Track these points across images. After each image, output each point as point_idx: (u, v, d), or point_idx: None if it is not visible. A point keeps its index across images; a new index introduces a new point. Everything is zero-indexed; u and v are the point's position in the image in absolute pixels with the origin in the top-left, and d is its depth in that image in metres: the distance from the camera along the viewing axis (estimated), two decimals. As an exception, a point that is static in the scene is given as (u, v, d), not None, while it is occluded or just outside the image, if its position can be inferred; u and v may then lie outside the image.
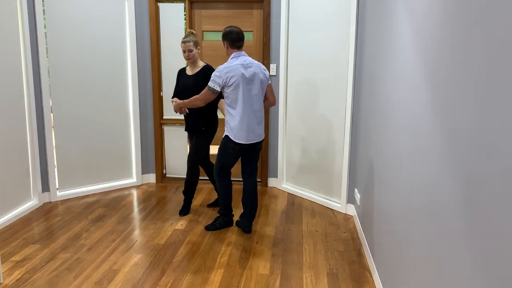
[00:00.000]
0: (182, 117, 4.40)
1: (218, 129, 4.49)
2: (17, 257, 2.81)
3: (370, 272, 2.70)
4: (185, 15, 4.24)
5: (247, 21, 4.24)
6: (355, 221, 3.48)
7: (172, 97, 3.50)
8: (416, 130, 1.77)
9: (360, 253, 2.96)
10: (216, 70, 3.02)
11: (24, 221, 3.42)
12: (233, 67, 2.98)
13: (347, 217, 3.62)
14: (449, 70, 1.39)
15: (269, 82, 3.20)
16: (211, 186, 4.40)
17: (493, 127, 1.06)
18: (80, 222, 3.42)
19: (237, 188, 4.37)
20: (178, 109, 3.30)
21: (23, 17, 3.45)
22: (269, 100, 3.25)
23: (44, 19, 3.66)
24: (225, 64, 3.02)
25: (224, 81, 2.97)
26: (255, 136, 3.11)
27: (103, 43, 4.01)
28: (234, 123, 3.04)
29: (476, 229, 1.15)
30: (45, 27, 3.67)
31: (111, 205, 3.82)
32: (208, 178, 3.73)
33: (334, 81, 3.69)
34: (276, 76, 4.20)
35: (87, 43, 3.92)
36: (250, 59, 3.10)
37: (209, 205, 3.81)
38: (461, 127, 1.27)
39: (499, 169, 1.02)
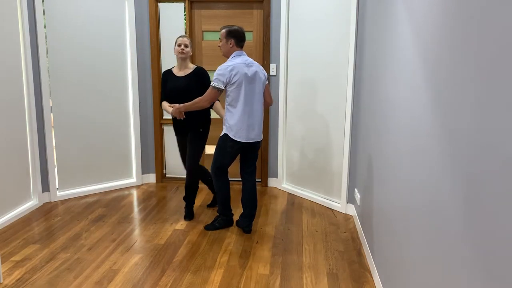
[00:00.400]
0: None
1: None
2: (17, 257, 2.81)
3: (370, 272, 2.70)
4: (185, 15, 4.25)
5: (247, 21, 4.25)
6: (355, 221, 3.48)
7: (161, 101, 3.42)
8: (416, 130, 1.77)
9: (360, 253, 2.96)
10: (218, 68, 3.01)
11: (24, 221, 3.42)
12: (236, 65, 3.00)
13: (347, 217, 3.62)
14: (449, 70, 1.39)
15: (267, 82, 3.21)
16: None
17: (493, 127, 1.06)
18: (80, 222, 3.42)
19: (237, 188, 4.37)
20: (177, 114, 3.19)
21: (23, 17, 3.45)
22: (266, 100, 3.25)
23: (44, 19, 3.66)
24: (228, 63, 3.02)
25: (227, 79, 2.98)
26: (255, 135, 3.12)
27: (103, 43, 4.01)
28: (235, 121, 3.05)
29: (476, 229, 1.15)
30: (45, 27, 3.67)
31: (111, 205, 3.82)
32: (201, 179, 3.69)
33: (334, 81, 3.69)
34: (276, 76, 4.20)
35: (87, 43, 3.92)
36: (250, 58, 3.11)
37: (209, 205, 3.81)
38: (461, 127, 1.27)
39: (499, 169, 1.02)
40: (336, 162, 3.77)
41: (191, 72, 3.35)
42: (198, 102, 3.06)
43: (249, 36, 4.28)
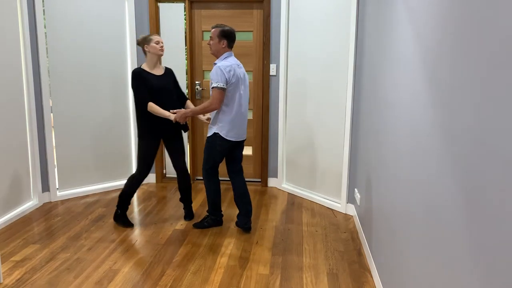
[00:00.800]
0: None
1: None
2: (17, 257, 2.81)
3: (370, 272, 2.70)
4: (185, 15, 4.25)
5: (247, 21, 4.24)
6: (355, 221, 3.48)
7: (146, 102, 3.15)
8: (416, 130, 1.78)
9: (360, 253, 2.96)
10: (216, 69, 3.02)
11: (24, 221, 3.42)
12: (233, 66, 3.04)
13: (347, 217, 3.62)
14: (449, 70, 1.39)
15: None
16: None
17: (493, 127, 1.06)
18: (80, 222, 3.42)
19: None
20: (183, 119, 3.13)
21: (23, 17, 3.45)
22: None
23: (44, 19, 3.66)
24: (224, 63, 3.04)
25: (227, 79, 3.02)
26: (243, 133, 3.21)
27: (103, 43, 4.01)
28: (228, 121, 3.10)
29: (476, 229, 1.15)
30: (45, 27, 3.67)
31: (111, 205, 3.82)
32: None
33: (334, 81, 3.69)
34: (276, 76, 4.20)
35: (87, 43, 3.92)
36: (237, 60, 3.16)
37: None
38: (461, 127, 1.27)
39: (499, 169, 1.02)
40: (336, 162, 3.77)
41: (166, 71, 3.32)
42: (209, 106, 3.04)
43: (249, 36, 4.28)
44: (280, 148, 4.29)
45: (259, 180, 4.52)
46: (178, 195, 4.11)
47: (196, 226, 3.34)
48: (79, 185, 4.07)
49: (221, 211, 3.38)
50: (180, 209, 3.73)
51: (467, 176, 1.22)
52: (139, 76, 3.17)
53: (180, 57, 4.33)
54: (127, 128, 4.30)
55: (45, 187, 3.85)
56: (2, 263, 2.72)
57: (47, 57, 3.73)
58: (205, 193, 4.20)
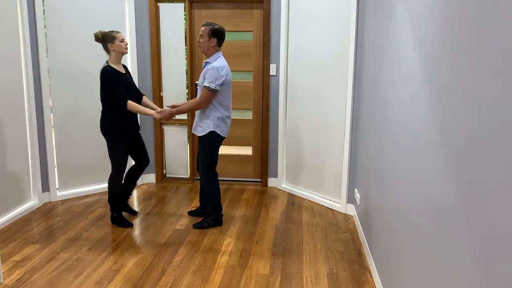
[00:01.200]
0: (183, 116, 4.40)
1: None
2: (17, 257, 2.81)
3: (370, 272, 2.70)
4: (185, 15, 4.24)
5: (247, 21, 4.24)
6: (355, 221, 3.48)
7: (125, 101, 3.09)
8: (416, 130, 1.77)
9: (360, 253, 2.96)
10: (214, 70, 3.05)
11: (24, 221, 3.42)
12: (227, 67, 3.15)
13: (347, 217, 3.62)
14: (449, 69, 1.39)
15: None
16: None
17: (493, 127, 1.06)
18: (80, 222, 3.42)
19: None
20: (169, 119, 3.15)
21: (23, 17, 3.45)
22: None
23: (44, 19, 3.66)
24: (220, 63, 3.10)
25: (224, 80, 3.09)
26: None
27: (103, 43, 4.01)
28: (223, 118, 3.19)
29: (475, 229, 1.15)
30: (45, 27, 3.67)
31: (111, 205, 3.82)
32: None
33: (334, 81, 3.69)
34: (276, 76, 4.20)
35: (87, 43, 3.92)
36: None
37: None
38: (461, 127, 1.27)
39: (499, 169, 1.02)
40: (336, 162, 3.77)
41: (126, 69, 3.31)
42: (197, 106, 3.11)
43: (249, 36, 4.28)
44: (280, 148, 4.29)
45: (259, 180, 4.52)
46: (178, 195, 4.11)
47: (196, 226, 3.34)
48: (79, 185, 4.07)
49: (222, 210, 3.39)
50: (180, 209, 3.73)
51: (467, 176, 1.22)
52: (115, 75, 3.08)
53: (180, 57, 4.32)
54: (127, 128, 4.29)
55: (45, 187, 3.85)
56: (2, 263, 2.72)
57: (47, 57, 3.73)
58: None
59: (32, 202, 3.70)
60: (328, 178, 3.87)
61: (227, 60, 4.34)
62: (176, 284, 2.53)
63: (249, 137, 4.46)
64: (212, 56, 3.15)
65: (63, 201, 3.90)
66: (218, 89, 3.07)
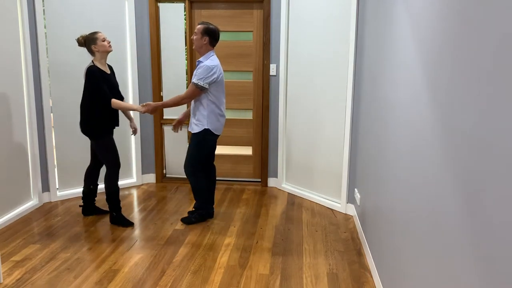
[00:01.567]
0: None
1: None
2: (17, 257, 2.81)
3: (370, 272, 2.70)
4: (185, 15, 4.25)
5: (247, 21, 4.25)
6: (355, 221, 3.48)
7: (109, 99, 3.15)
8: (416, 130, 1.78)
9: (360, 253, 2.96)
10: (205, 68, 3.12)
11: (24, 221, 3.42)
12: (219, 66, 3.20)
13: (347, 217, 3.62)
14: (449, 69, 1.39)
15: None
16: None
17: (493, 127, 1.06)
18: (80, 222, 3.42)
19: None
20: (154, 112, 3.25)
21: (23, 17, 3.45)
22: None
23: (44, 19, 3.66)
24: (213, 62, 3.16)
25: (214, 79, 3.15)
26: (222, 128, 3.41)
27: (103, 43, 4.01)
28: (217, 116, 3.25)
29: (476, 229, 1.15)
30: (45, 27, 3.67)
31: (111, 205, 3.82)
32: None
33: (334, 81, 3.69)
34: (276, 76, 4.20)
35: (87, 43, 3.92)
36: None
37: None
38: (461, 127, 1.27)
39: (499, 169, 1.02)
40: (336, 162, 3.77)
41: (111, 70, 3.35)
42: (182, 100, 3.18)
43: (249, 36, 4.29)
44: (280, 148, 4.29)
45: (259, 180, 4.52)
46: (178, 195, 4.11)
47: (184, 221, 3.40)
48: (79, 185, 4.07)
49: (213, 203, 3.50)
50: (180, 209, 3.73)
51: (467, 176, 1.22)
52: (99, 74, 3.12)
53: (180, 57, 4.33)
54: (127, 128, 4.29)
55: (45, 187, 3.85)
56: (2, 263, 2.72)
57: (47, 57, 3.73)
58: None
59: (32, 202, 3.70)
60: (328, 178, 3.87)
61: (227, 60, 4.34)
62: (176, 284, 2.53)
63: (249, 137, 4.46)
64: (204, 55, 3.22)
65: (63, 201, 3.90)
66: (206, 87, 3.12)
